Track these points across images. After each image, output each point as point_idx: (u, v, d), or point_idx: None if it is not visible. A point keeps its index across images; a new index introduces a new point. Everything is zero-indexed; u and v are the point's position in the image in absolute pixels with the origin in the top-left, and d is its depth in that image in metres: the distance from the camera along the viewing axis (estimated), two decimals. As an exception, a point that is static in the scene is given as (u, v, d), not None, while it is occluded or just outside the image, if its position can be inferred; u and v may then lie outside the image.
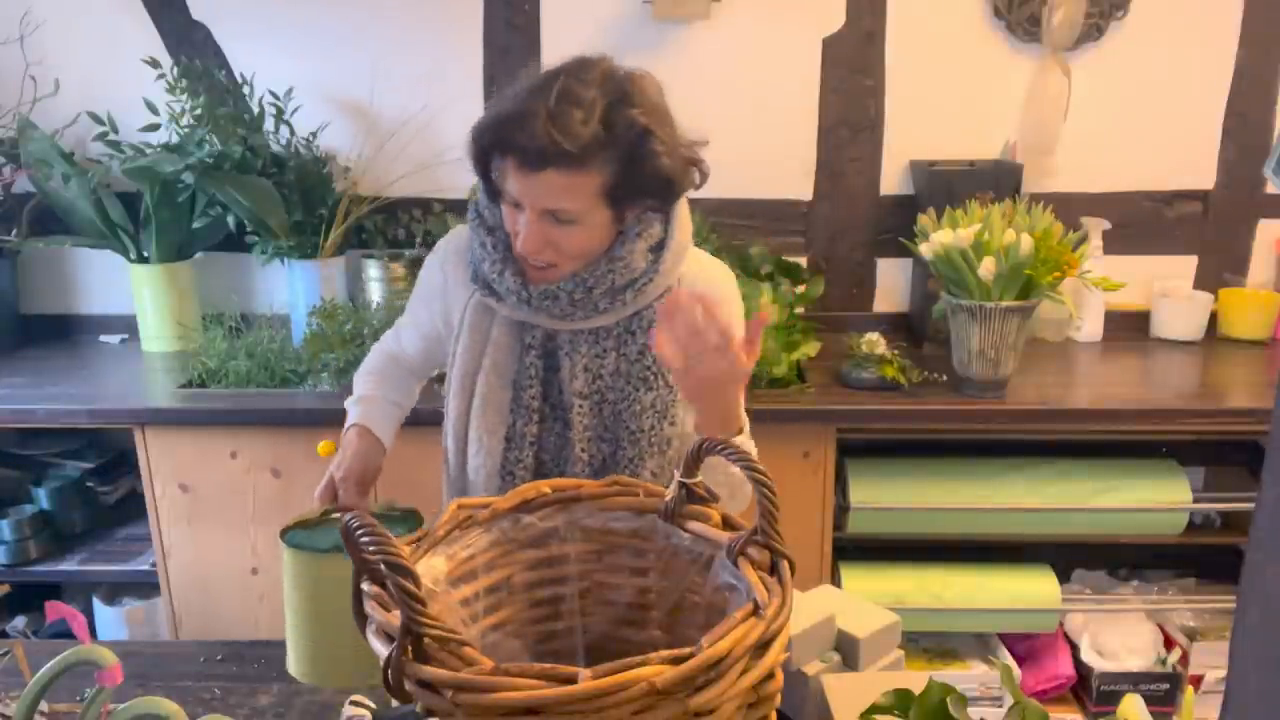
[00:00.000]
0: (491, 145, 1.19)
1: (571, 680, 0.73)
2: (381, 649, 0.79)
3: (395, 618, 0.79)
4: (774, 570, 0.88)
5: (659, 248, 1.26)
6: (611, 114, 1.15)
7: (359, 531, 0.79)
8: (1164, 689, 2.12)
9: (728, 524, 1.00)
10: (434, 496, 1.47)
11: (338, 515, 1.25)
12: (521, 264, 1.25)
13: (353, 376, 2.09)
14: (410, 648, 0.77)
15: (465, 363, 1.33)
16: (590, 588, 1.09)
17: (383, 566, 0.77)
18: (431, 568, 0.99)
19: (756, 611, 0.81)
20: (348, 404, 1.45)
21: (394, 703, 0.92)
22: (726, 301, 1.32)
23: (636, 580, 1.07)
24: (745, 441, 1.28)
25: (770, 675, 0.83)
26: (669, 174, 1.20)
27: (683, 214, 1.30)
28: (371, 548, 0.78)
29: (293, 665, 1.19)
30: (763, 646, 0.79)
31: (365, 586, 0.85)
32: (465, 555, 1.02)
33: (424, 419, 1.62)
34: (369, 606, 0.84)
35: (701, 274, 1.32)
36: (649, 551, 1.05)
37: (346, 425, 1.41)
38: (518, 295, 1.25)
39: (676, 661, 0.74)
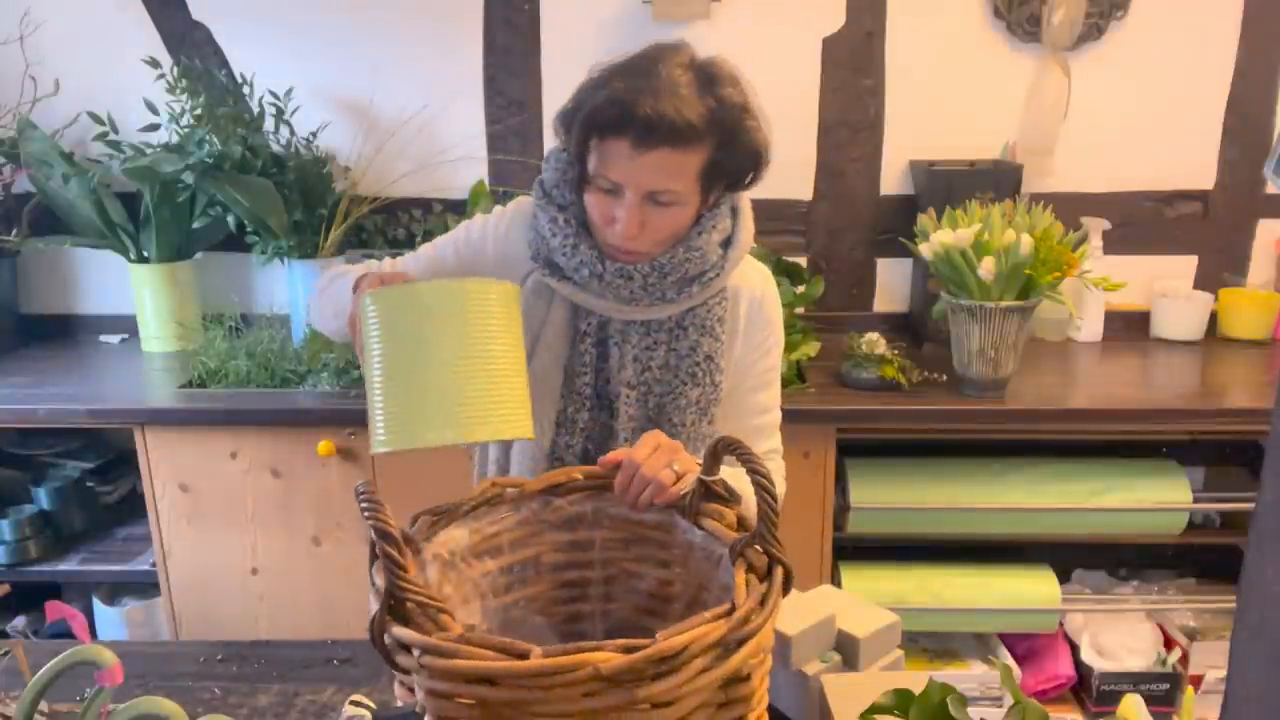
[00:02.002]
0: (607, 125, 1.17)
1: (525, 656, 0.76)
2: (374, 607, 0.84)
3: None
4: (769, 575, 0.88)
5: (727, 243, 1.29)
6: (711, 92, 1.18)
7: (361, 498, 0.84)
8: (1164, 689, 2.12)
9: (742, 525, 1.01)
10: (436, 490, 1.47)
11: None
12: (605, 247, 1.25)
13: (351, 375, 2.11)
14: (394, 610, 0.82)
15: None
16: (616, 574, 1.11)
17: (372, 532, 0.81)
18: (452, 538, 1.01)
19: (730, 612, 0.81)
20: (327, 284, 1.35)
21: (397, 702, 0.93)
22: (771, 309, 1.36)
23: (660, 571, 1.09)
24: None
25: (744, 677, 0.83)
26: (762, 148, 1.23)
27: (748, 211, 1.32)
28: (366, 514, 0.82)
29: (383, 437, 1.01)
30: (730, 647, 0.79)
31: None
32: (491, 531, 1.05)
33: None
34: (374, 571, 0.87)
35: (746, 279, 1.35)
36: (672, 545, 1.08)
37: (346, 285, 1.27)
38: (590, 270, 1.24)
39: (629, 651, 0.75)
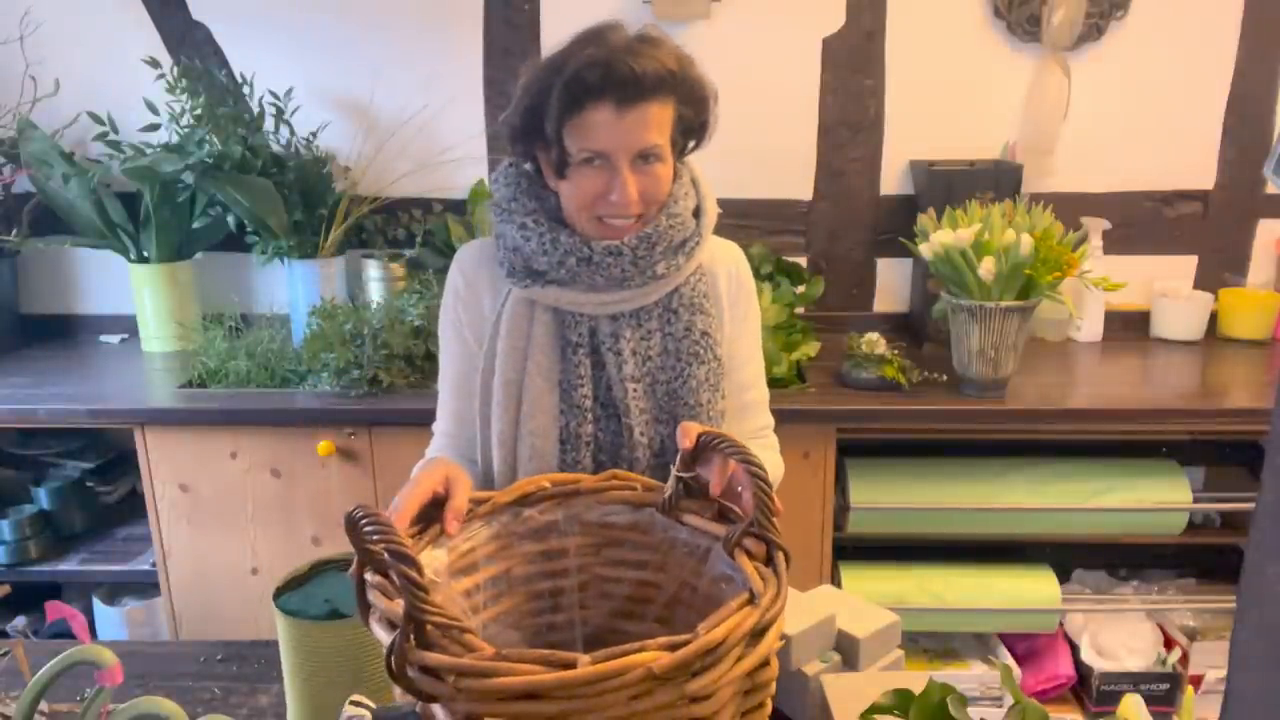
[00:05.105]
0: (589, 90, 1.16)
1: (571, 666, 0.74)
2: (385, 637, 0.81)
3: (399, 605, 0.80)
4: (770, 561, 0.91)
5: (697, 213, 1.30)
6: (660, 48, 1.20)
7: (363, 522, 0.81)
8: (1164, 689, 2.12)
9: (724, 517, 1.02)
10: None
11: (329, 568, 1.22)
12: (588, 230, 1.23)
13: (351, 375, 2.11)
14: (413, 635, 0.78)
15: (508, 369, 1.26)
16: (590, 581, 1.10)
17: (386, 556, 0.79)
18: (433, 559, 1.00)
19: (752, 600, 0.83)
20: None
21: (399, 698, 0.92)
22: (748, 281, 1.37)
23: (635, 573, 1.09)
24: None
25: (765, 663, 0.85)
26: (711, 94, 1.26)
27: (705, 180, 1.34)
28: (375, 537, 0.79)
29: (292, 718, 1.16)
30: (758, 634, 0.81)
31: (368, 577, 0.86)
32: (466, 548, 1.04)
33: (426, 419, 1.62)
34: (372, 596, 0.85)
35: (719, 257, 1.35)
36: (647, 545, 1.07)
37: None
38: (577, 256, 1.22)
39: (674, 648, 0.76)
